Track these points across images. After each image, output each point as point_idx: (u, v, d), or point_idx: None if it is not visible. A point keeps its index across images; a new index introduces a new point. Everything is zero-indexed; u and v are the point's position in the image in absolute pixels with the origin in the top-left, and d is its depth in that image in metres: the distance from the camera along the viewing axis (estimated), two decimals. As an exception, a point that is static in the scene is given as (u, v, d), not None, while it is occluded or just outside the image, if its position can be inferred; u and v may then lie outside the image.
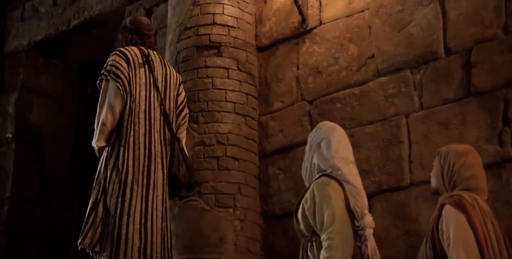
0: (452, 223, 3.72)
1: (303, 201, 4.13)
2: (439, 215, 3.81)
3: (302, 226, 4.08)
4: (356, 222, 4.09)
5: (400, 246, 5.11)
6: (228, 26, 6.16)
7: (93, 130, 5.04)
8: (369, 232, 4.12)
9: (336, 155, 4.18)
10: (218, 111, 5.92)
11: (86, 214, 4.83)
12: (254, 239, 5.70)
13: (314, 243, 4.01)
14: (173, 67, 6.17)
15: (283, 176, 5.90)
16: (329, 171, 4.14)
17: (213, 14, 6.15)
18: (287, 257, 4.49)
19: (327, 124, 4.42)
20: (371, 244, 4.10)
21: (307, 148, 4.35)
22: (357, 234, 4.08)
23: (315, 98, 5.97)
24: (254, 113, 6.14)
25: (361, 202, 4.15)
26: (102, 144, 4.99)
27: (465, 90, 5.18)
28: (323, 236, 3.93)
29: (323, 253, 3.89)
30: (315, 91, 5.99)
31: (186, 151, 5.21)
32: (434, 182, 4.10)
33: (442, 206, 3.83)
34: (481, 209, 3.80)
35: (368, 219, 4.14)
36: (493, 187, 4.66)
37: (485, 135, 4.96)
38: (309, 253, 4.05)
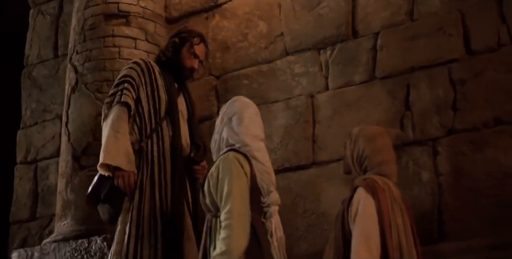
0: (361, 206, 3.78)
1: (208, 175, 4.09)
2: (351, 197, 3.87)
3: (207, 201, 4.04)
4: (262, 198, 4.07)
5: (300, 224, 5.20)
6: (138, -5, 6.08)
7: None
8: (274, 209, 4.09)
9: (247, 131, 4.12)
10: (124, 82, 5.85)
11: None
12: (156, 212, 5.67)
13: (218, 219, 3.98)
14: (80, 34, 6.08)
15: (188, 150, 5.89)
16: (237, 145, 4.08)
17: (123, -18, 6.05)
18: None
19: (241, 99, 4.33)
20: (275, 221, 4.07)
21: (218, 121, 4.25)
22: (263, 210, 4.08)
23: (222, 74, 6.00)
24: (160, 86, 6.08)
25: (268, 179, 4.09)
26: None
27: (370, 73, 5.29)
28: (221, 216, 3.91)
29: (221, 233, 3.85)
30: (222, 66, 6.01)
31: None
32: (345, 164, 4.17)
33: (355, 188, 3.90)
34: (391, 194, 3.87)
35: (274, 196, 4.11)
36: (393, 169, 4.80)
37: (388, 118, 5.08)
38: (213, 229, 4.04)
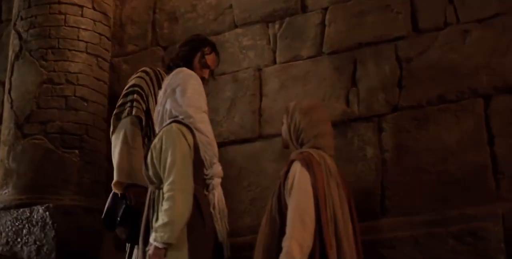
0: (296, 180, 3.81)
1: (151, 146, 4.09)
2: (288, 171, 3.90)
3: (150, 173, 4.03)
4: (205, 170, 4.09)
5: (244, 197, 5.22)
6: (85, -38, 5.97)
7: None
8: (217, 181, 4.13)
9: (190, 103, 4.13)
10: (70, 50, 5.80)
11: None
12: (99, 182, 5.65)
13: (161, 191, 3.97)
14: (24, 0, 5.98)
15: (132, 120, 5.84)
16: (180, 117, 4.09)
17: None
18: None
19: (185, 71, 4.33)
20: (218, 193, 4.11)
21: (161, 92, 4.26)
22: (205, 182, 4.10)
23: (169, 44, 5.95)
24: (107, 55, 6.04)
25: (211, 150, 4.12)
26: None
27: (318, 48, 5.29)
28: (164, 188, 3.91)
29: (164, 204, 3.87)
30: (170, 37, 5.97)
31: None
32: (283, 138, 4.20)
33: (291, 162, 3.93)
34: (327, 167, 3.90)
35: (217, 169, 4.14)
36: (338, 144, 4.78)
37: (334, 94, 5.10)
38: (155, 200, 4.03)
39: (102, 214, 4.42)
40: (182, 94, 4.16)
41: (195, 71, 4.58)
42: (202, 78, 4.63)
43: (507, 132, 4.50)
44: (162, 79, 4.61)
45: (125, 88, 4.71)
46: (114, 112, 4.66)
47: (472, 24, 4.78)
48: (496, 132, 4.54)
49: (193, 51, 4.66)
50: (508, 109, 4.53)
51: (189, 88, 4.18)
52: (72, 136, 5.61)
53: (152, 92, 4.63)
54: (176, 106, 4.14)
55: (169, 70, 4.62)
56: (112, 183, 4.47)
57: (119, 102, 4.67)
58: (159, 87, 4.54)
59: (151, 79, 4.67)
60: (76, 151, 5.59)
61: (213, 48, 4.74)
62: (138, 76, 4.70)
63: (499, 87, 4.58)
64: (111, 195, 4.55)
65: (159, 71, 4.74)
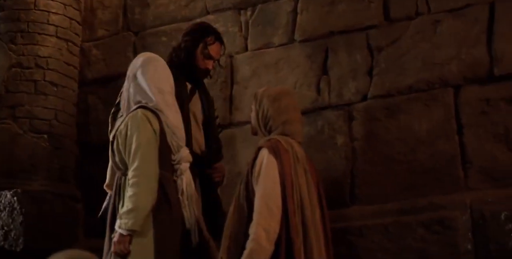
0: (263, 167, 3.81)
1: (117, 133, 4.05)
2: (255, 157, 3.89)
3: (117, 159, 4.00)
4: (172, 155, 4.05)
5: (214, 184, 5.20)
6: None
7: None
8: (185, 166, 4.08)
9: (151, 84, 4.08)
10: (39, 34, 5.72)
11: None
12: (68, 167, 5.63)
13: (127, 177, 3.94)
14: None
15: (102, 106, 5.81)
16: (144, 102, 4.04)
17: None
18: (101, 187, 4.46)
19: (146, 54, 4.29)
20: (186, 178, 4.07)
21: (126, 78, 4.22)
22: (174, 168, 4.05)
23: (141, 30, 5.92)
24: (77, 39, 5.98)
25: (177, 134, 4.08)
26: None
27: (290, 36, 5.28)
28: (129, 174, 3.89)
29: (128, 191, 3.84)
30: (141, 22, 5.93)
31: None
32: (252, 125, 4.19)
33: (259, 149, 3.93)
34: (295, 154, 3.89)
35: (184, 153, 4.09)
36: (308, 132, 4.85)
37: (306, 82, 5.10)
38: (122, 186, 3.98)
39: (72, 200, 4.38)
40: (143, 77, 4.11)
41: (198, 62, 4.52)
42: (206, 70, 4.57)
43: (476, 122, 4.54)
44: None
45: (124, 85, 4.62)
46: (112, 111, 4.50)
47: (443, 14, 4.79)
48: (465, 121, 4.57)
49: (195, 42, 4.54)
50: (477, 99, 4.56)
51: (150, 70, 4.13)
52: (41, 121, 5.55)
53: None
54: (139, 90, 4.10)
55: (171, 62, 4.48)
56: (104, 185, 4.37)
57: (117, 100, 4.50)
58: None
59: None
60: (45, 136, 5.54)
61: (217, 37, 4.60)
62: None
63: (468, 78, 4.61)
64: (107, 195, 4.45)
65: None
